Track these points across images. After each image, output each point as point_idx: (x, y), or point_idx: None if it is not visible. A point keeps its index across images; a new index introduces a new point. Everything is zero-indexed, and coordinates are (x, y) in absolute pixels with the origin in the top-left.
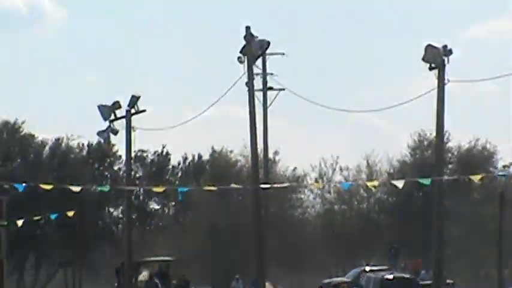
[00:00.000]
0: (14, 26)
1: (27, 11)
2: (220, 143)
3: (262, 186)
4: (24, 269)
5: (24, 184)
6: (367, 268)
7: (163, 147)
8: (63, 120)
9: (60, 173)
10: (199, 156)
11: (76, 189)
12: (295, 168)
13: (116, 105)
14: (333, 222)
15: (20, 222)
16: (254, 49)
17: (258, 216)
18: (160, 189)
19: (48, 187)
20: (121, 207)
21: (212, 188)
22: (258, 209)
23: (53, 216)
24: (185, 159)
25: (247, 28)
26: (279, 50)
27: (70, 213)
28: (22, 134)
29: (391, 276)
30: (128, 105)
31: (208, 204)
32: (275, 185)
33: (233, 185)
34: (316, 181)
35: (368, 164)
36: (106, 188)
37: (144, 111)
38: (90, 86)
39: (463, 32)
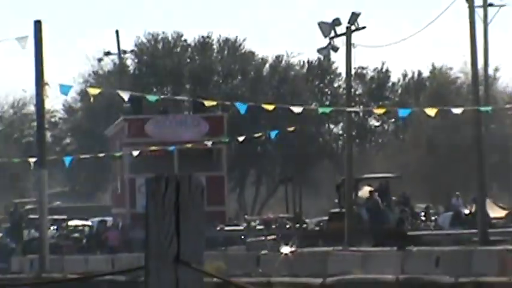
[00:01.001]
0: None
1: None
2: (440, 60)
3: (482, 108)
4: (245, 185)
5: (245, 104)
6: None
7: (383, 64)
8: (283, 38)
9: (280, 90)
10: (419, 73)
11: (297, 110)
12: None
13: (336, 22)
14: None
15: (240, 139)
16: None
17: (478, 134)
18: (381, 111)
19: (270, 107)
20: (341, 124)
21: (432, 110)
22: (479, 127)
23: (273, 133)
24: (405, 76)
25: None
26: None
27: (290, 129)
28: (243, 51)
29: None
30: (348, 22)
31: (428, 121)
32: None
33: (454, 110)
34: None
35: None
36: (327, 110)
37: (364, 28)
38: (311, 3)
39: None
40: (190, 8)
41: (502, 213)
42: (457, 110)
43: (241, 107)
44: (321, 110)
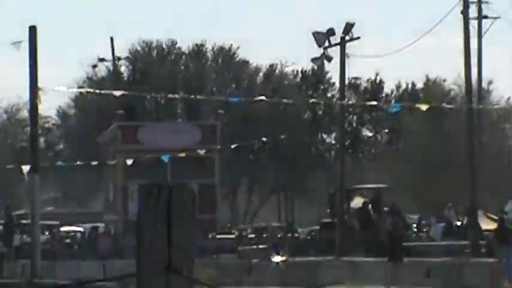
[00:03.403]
0: None
1: None
2: (434, 72)
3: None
4: (237, 193)
5: (238, 98)
6: None
7: (377, 74)
8: (277, 47)
9: (273, 98)
10: (413, 85)
11: (289, 101)
12: (509, 98)
13: (331, 32)
14: None
15: (233, 147)
16: None
17: (471, 144)
18: (373, 103)
19: (262, 98)
20: (334, 134)
21: (424, 105)
22: (471, 136)
23: (265, 140)
24: (398, 87)
25: None
26: None
27: (282, 136)
28: (237, 60)
29: None
30: (343, 32)
31: (421, 133)
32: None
33: (445, 105)
34: None
35: None
36: (317, 101)
37: (358, 38)
38: (305, 13)
39: None
40: (185, 16)
41: (493, 225)
42: (448, 106)
43: (235, 97)
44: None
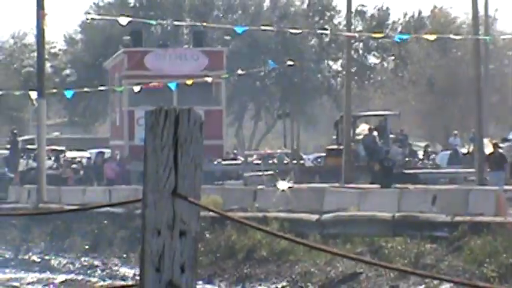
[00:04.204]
0: None
1: None
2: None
3: (482, 37)
4: (243, 119)
5: (243, 28)
6: None
7: (383, 2)
8: None
9: (280, 25)
10: (419, 12)
11: (295, 31)
12: None
13: None
14: None
15: (239, 73)
16: None
17: (477, 71)
18: (379, 36)
19: (268, 28)
20: (340, 61)
21: (431, 36)
22: (478, 64)
23: (271, 64)
24: (405, 14)
25: None
26: None
27: (289, 63)
28: None
29: None
30: None
31: (427, 59)
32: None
33: (452, 36)
34: None
35: None
36: (326, 33)
37: None
38: None
39: None
40: None
41: None
42: (456, 37)
43: (239, 29)
44: (319, 31)
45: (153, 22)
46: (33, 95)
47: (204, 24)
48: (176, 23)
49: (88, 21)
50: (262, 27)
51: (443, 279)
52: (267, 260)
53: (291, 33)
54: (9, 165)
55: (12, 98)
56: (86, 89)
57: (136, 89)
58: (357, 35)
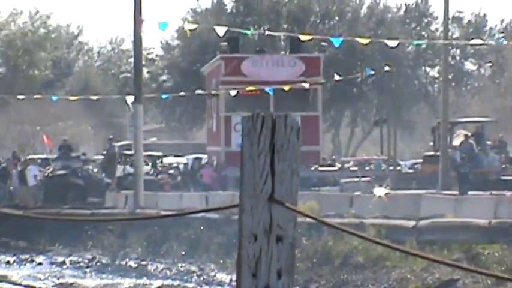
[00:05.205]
0: None
1: None
2: None
3: None
4: (339, 126)
5: (340, 39)
6: None
7: (481, 8)
8: None
9: (376, 32)
10: None
11: (392, 44)
12: None
13: None
14: None
15: (336, 79)
16: None
17: None
18: (477, 42)
19: (365, 41)
20: (437, 67)
21: None
22: None
23: (368, 71)
24: (502, 20)
25: None
26: None
27: (386, 69)
28: None
29: None
30: None
31: None
32: None
33: None
34: None
35: None
36: (422, 42)
37: None
38: None
39: None
40: None
41: None
42: None
43: (336, 41)
44: (415, 42)
45: (249, 32)
46: (130, 100)
47: (301, 36)
48: (270, 33)
49: (185, 31)
50: (359, 39)
51: None
52: (364, 266)
53: (387, 45)
54: (106, 171)
55: (109, 103)
56: (182, 93)
57: (233, 93)
58: (453, 42)
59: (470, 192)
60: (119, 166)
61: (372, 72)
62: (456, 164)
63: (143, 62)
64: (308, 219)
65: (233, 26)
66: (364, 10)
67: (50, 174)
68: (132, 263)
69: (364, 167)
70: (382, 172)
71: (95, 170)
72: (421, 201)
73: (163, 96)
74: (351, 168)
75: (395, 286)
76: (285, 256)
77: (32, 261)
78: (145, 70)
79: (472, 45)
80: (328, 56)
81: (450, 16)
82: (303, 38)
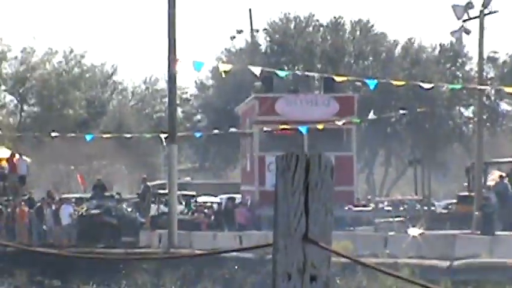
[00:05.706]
0: None
1: None
2: None
3: None
4: (374, 166)
5: (375, 81)
6: None
7: None
8: (416, 20)
9: (411, 71)
10: None
11: (427, 86)
12: None
13: (470, 4)
14: None
15: (371, 118)
16: None
17: None
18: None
19: (400, 83)
20: (472, 107)
21: None
22: None
23: (402, 112)
24: None
25: None
26: None
27: (420, 109)
28: (374, 32)
29: None
30: (482, 5)
31: None
32: None
33: None
34: None
35: None
36: (457, 86)
37: (497, 11)
38: None
39: None
40: None
41: None
42: None
43: (371, 83)
44: (450, 86)
45: (283, 73)
46: (163, 138)
47: (335, 77)
48: (304, 72)
49: (220, 73)
50: (394, 82)
51: None
52: None
53: (421, 87)
54: (140, 210)
55: (143, 143)
56: (215, 131)
57: (267, 133)
58: (488, 88)
59: (504, 233)
60: (153, 205)
61: (406, 112)
62: (483, 204)
63: (177, 102)
64: (342, 259)
65: (267, 66)
66: (398, 50)
67: (84, 214)
68: None
69: (398, 207)
70: (416, 212)
71: (129, 209)
72: (455, 241)
73: (197, 135)
74: (385, 208)
75: None
76: None
77: None
78: (179, 110)
79: (506, 87)
80: (362, 95)
81: (485, 56)
82: (337, 78)
